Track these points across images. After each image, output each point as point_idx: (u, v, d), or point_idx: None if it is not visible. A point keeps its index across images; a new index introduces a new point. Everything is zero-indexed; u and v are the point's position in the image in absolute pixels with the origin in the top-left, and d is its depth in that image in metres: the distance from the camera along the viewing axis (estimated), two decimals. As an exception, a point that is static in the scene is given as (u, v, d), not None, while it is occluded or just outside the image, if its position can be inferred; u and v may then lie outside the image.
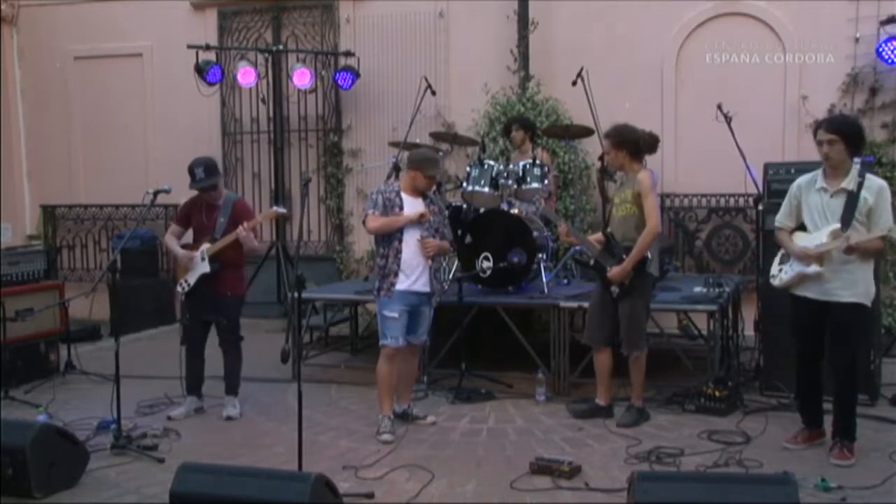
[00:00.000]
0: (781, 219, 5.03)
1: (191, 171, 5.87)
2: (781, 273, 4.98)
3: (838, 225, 4.69)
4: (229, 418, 5.93)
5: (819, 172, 4.86)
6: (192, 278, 5.92)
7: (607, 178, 7.11)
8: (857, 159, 4.87)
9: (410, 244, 5.41)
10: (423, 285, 5.45)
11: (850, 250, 4.61)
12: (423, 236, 5.42)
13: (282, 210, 6.43)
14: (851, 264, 4.70)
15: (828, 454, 4.86)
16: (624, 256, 5.46)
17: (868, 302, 4.80)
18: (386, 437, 5.34)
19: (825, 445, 5.01)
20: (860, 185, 4.67)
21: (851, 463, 4.71)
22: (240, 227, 5.77)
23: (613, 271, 5.47)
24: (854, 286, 4.73)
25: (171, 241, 6.04)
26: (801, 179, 4.95)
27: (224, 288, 5.98)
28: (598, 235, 5.76)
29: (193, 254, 5.89)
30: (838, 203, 4.73)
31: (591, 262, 5.71)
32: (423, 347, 5.94)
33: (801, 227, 4.96)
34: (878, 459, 4.80)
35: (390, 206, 5.44)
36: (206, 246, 5.89)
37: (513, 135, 7.73)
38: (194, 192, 5.97)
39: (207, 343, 6.11)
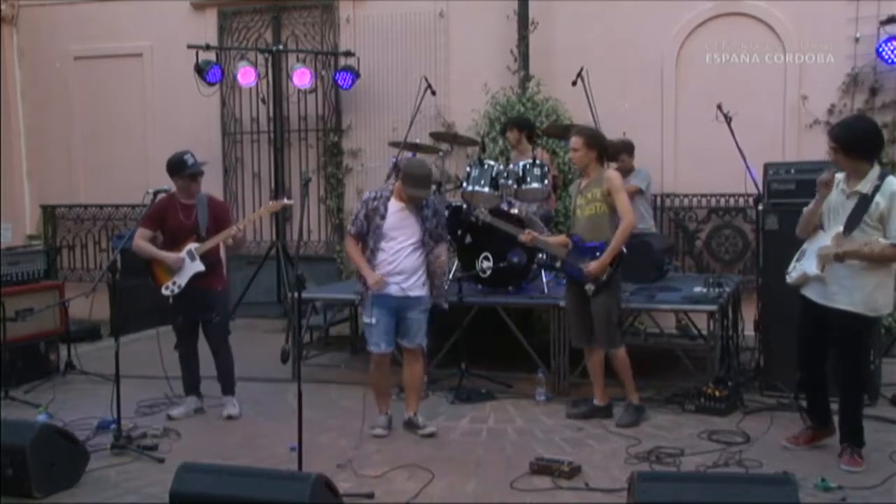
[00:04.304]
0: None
1: (179, 160, 5.87)
2: (793, 271, 4.89)
3: (841, 228, 4.59)
4: (230, 417, 5.93)
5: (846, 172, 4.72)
6: (182, 279, 5.86)
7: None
8: None
9: (388, 251, 5.32)
10: (405, 290, 5.32)
11: (839, 258, 4.51)
12: (409, 243, 5.33)
13: (289, 201, 6.34)
14: (852, 270, 4.55)
15: (828, 454, 4.86)
16: (597, 254, 5.48)
17: (868, 312, 4.60)
18: (378, 430, 5.45)
19: (826, 446, 5.01)
20: (876, 189, 4.51)
21: (862, 469, 4.64)
22: (234, 227, 5.82)
23: (591, 266, 5.47)
24: (851, 294, 4.58)
25: (149, 246, 5.89)
26: (837, 176, 4.76)
27: (215, 283, 6.00)
28: (561, 238, 5.80)
29: (181, 255, 5.85)
30: (851, 205, 4.59)
31: (558, 263, 5.72)
32: (423, 352, 5.66)
33: None
34: (878, 459, 4.80)
35: (373, 215, 5.35)
36: (194, 245, 5.85)
37: (507, 135, 7.75)
38: (164, 195, 5.86)
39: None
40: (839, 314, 4.64)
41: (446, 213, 7.10)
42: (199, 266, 5.85)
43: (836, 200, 4.70)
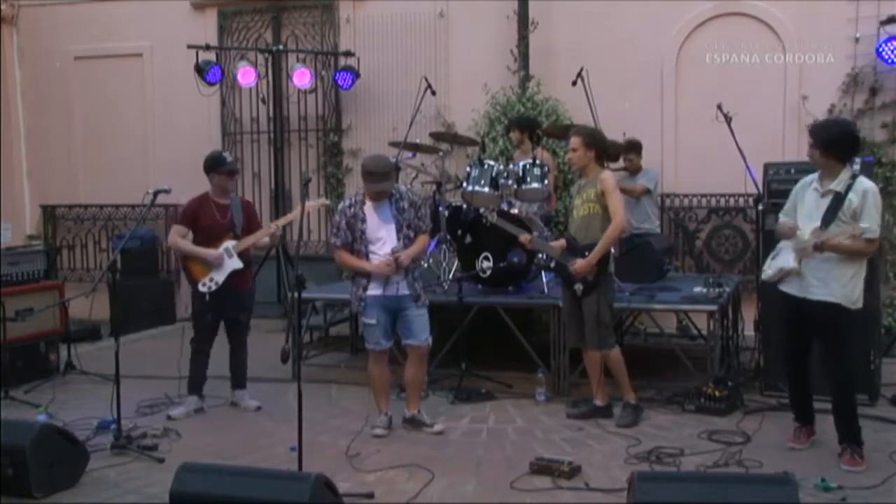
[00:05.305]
0: (783, 214, 5.07)
1: (218, 157, 6.05)
2: (768, 268, 5.02)
3: (818, 224, 4.72)
4: (259, 408, 6.06)
5: (819, 172, 4.90)
6: (220, 276, 5.89)
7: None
8: (856, 160, 4.89)
9: (380, 254, 5.34)
10: (398, 290, 5.36)
11: (818, 247, 4.65)
12: (393, 248, 5.31)
13: (326, 201, 6.58)
14: (829, 263, 4.69)
15: (828, 454, 4.86)
16: (587, 253, 5.50)
17: (846, 303, 4.69)
18: (378, 430, 5.43)
19: (825, 445, 5.01)
20: (849, 187, 4.69)
21: (862, 469, 4.65)
22: (272, 225, 6.09)
23: (578, 264, 5.48)
24: (828, 284, 4.70)
25: (187, 243, 5.95)
26: (805, 178, 4.99)
27: (247, 283, 6.09)
28: (561, 242, 5.81)
29: (221, 252, 5.88)
30: (826, 203, 4.76)
31: (553, 263, 5.74)
32: (429, 350, 5.68)
33: None
34: (878, 459, 4.79)
35: (354, 221, 5.35)
36: (232, 243, 5.92)
37: (510, 135, 7.77)
38: (197, 193, 6.02)
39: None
40: (817, 305, 4.74)
41: (446, 213, 7.13)
42: (237, 263, 5.90)
43: (810, 200, 4.85)
